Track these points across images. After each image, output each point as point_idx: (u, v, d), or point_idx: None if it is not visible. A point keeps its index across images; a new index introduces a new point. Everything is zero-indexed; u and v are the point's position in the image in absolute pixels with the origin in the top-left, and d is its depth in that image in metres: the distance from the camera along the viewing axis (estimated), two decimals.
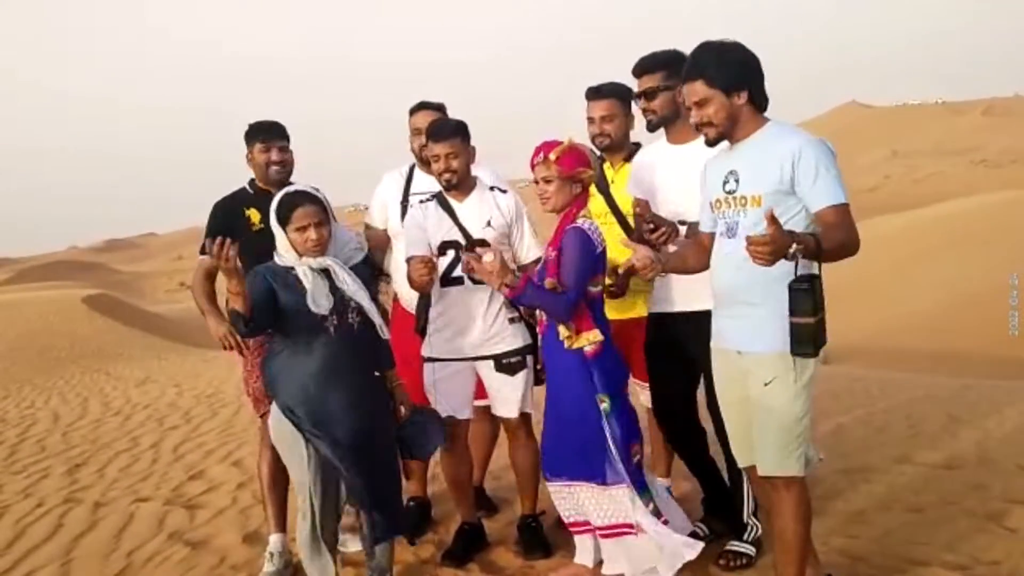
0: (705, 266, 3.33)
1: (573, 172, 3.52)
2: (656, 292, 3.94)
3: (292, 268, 3.54)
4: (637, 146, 4.22)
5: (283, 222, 3.51)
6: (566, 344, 3.51)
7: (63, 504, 6.05)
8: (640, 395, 4.29)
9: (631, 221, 4.04)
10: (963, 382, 8.50)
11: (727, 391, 3.25)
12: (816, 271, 2.82)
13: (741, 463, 3.33)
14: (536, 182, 3.61)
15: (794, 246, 2.67)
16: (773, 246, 2.64)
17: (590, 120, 4.15)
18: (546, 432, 3.72)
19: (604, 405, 3.49)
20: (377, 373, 3.76)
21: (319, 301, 3.47)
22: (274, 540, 4.27)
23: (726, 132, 3.08)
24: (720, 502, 4.03)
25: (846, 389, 8.12)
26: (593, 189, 3.84)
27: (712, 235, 3.29)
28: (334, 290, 3.53)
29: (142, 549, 4.97)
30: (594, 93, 4.15)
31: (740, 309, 3.08)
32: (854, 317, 16.43)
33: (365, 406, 3.59)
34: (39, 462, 7.50)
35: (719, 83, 3.00)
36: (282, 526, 4.31)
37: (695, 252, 3.39)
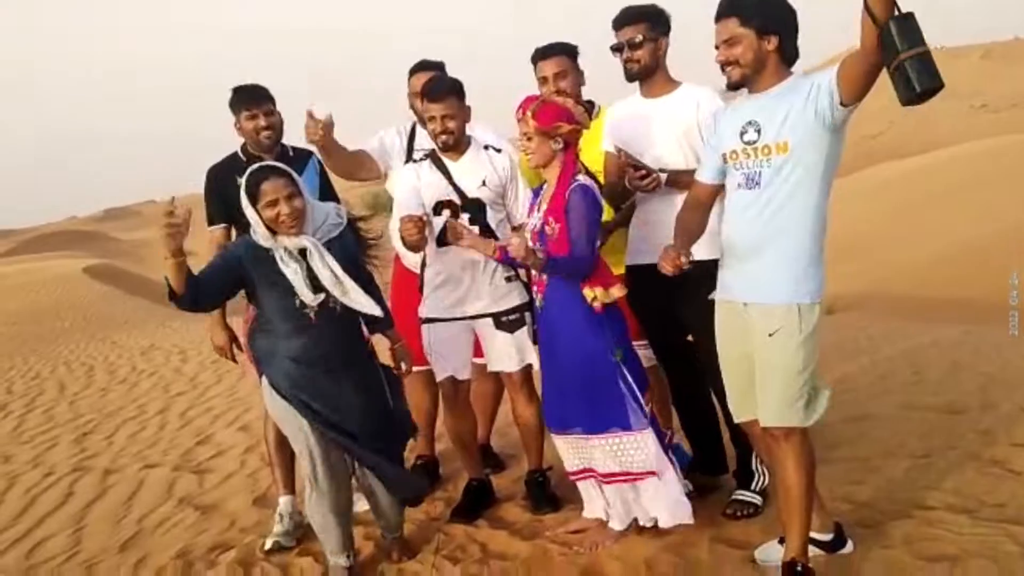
0: (706, 224, 3.35)
1: (549, 127, 3.52)
2: (633, 243, 3.94)
3: (269, 250, 3.42)
4: (590, 104, 4.18)
5: (253, 200, 3.35)
6: (590, 301, 3.50)
7: (72, 472, 6.10)
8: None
9: (600, 178, 4.03)
10: (966, 328, 8.50)
11: (729, 346, 3.25)
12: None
13: (739, 418, 3.34)
14: (520, 138, 3.64)
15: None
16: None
17: (543, 80, 4.10)
18: (550, 387, 3.73)
19: (618, 357, 3.53)
20: (367, 347, 3.74)
21: (304, 293, 3.37)
22: (283, 502, 4.30)
23: (749, 76, 3.04)
24: (710, 458, 4.08)
25: (850, 338, 8.13)
26: None
27: (712, 187, 3.28)
28: (312, 276, 3.40)
29: (152, 515, 5.02)
30: (543, 53, 4.12)
31: (751, 261, 3.07)
32: (857, 266, 16.41)
33: (351, 385, 3.55)
34: (47, 432, 7.55)
35: (753, 23, 2.98)
36: (291, 488, 4.35)
37: (694, 215, 3.37)
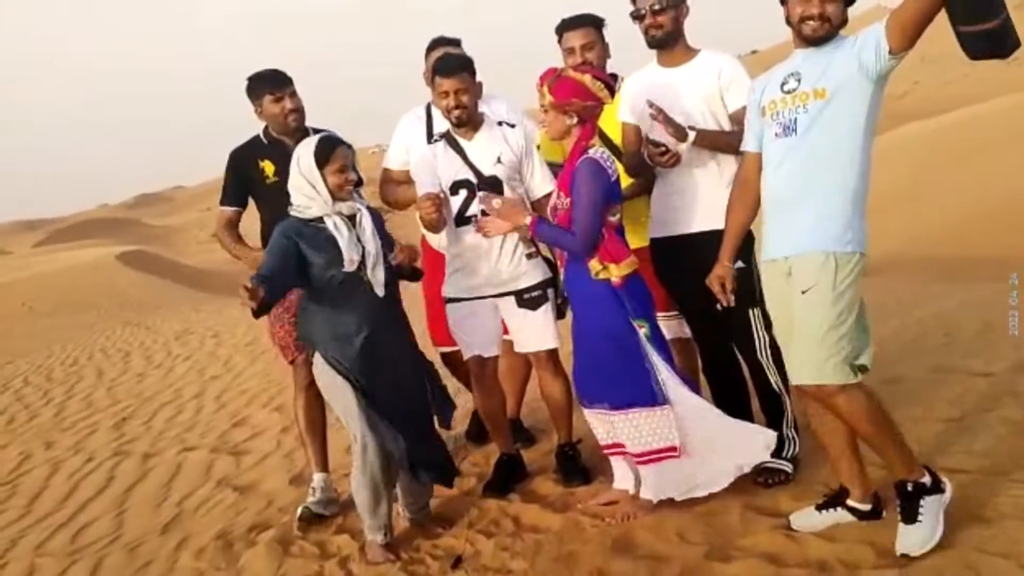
0: (757, 205, 3.33)
1: (564, 102, 3.52)
2: (656, 215, 3.94)
3: (320, 221, 3.57)
4: (614, 76, 4.15)
5: (322, 164, 3.55)
6: (593, 273, 3.52)
7: (113, 457, 6.23)
8: (661, 326, 4.30)
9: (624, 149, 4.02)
10: (1000, 287, 8.38)
11: (780, 308, 3.20)
12: None
13: (798, 380, 3.23)
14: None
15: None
16: None
17: (569, 51, 4.10)
18: (578, 361, 3.75)
19: (644, 331, 3.55)
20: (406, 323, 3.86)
21: (351, 254, 3.53)
22: (317, 478, 4.37)
23: (834, 33, 3.01)
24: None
25: (879, 301, 8.04)
26: None
27: (759, 155, 3.24)
28: (359, 241, 3.60)
29: (192, 496, 5.12)
30: (571, 23, 4.11)
31: (789, 212, 3.04)
32: (886, 227, 16.19)
33: (405, 356, 3.73)
34: (87, 418, 7.70)
35: None
36: (324, 465, 4.41)
37: (744, 197, 3.36)
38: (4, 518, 5.41)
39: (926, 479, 3.02)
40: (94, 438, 6.90)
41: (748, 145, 3.31)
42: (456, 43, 4.48)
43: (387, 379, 3.65)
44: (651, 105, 3.64)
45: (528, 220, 3.61)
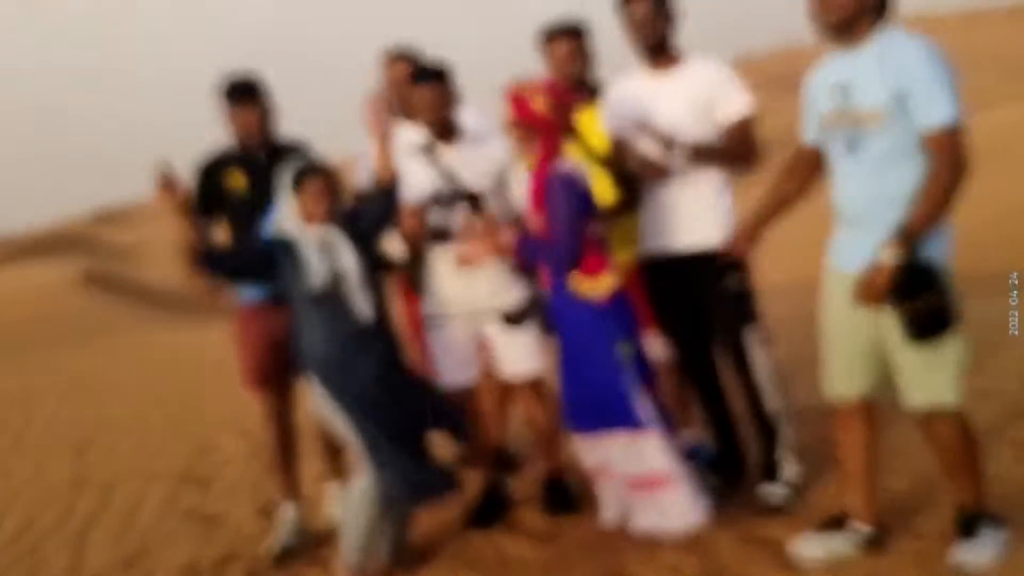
0: (809, 184, 3.32)
1: (519, 118, 3.57)
2: (646, 229, 3.92)
3: (295, 242, 3.67)
4: (599, 86, 4.17)
5: (296, 185, 3.68)
6: (581, 289, 3.52)
7: (73, 487, 6.14)
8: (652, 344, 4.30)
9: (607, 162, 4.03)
10: (1006, 302, 8.43)
11: (841, 315, 3.16)
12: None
13: (833, 391, 3.27)
14: None
15: None
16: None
17: (550, 60, 4.10)
18: (567, 386, 3.74)
19: (625, 351, 3.54)
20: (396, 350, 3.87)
21: (318, 275, 3.61)
22: (286, 509, 4.32)
23: (843, 24, 2.95)
24: (727, 458, 4.09)
25: None
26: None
27: (814, 149, 3.22)
28: (333, 263, 3.66)
29: (156, 528, 5.06)
30: (554, 33, 4.10)
31: (868, 229, 2.97)
32: None
33: (388, 374, 3.72)
34: (46, 446, 7.60)
35: None
36: (293, 494, 4.36)
37: (791, 180, 3.36)
38: None
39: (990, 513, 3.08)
40: (53, 467, 6.81)
41: (805, 136, 3.26)
42: (416, 56, 4.51)
43: (376, 400, 3.65)
44: (638, 124, 3.67)
45: (507, 241, 3.61)
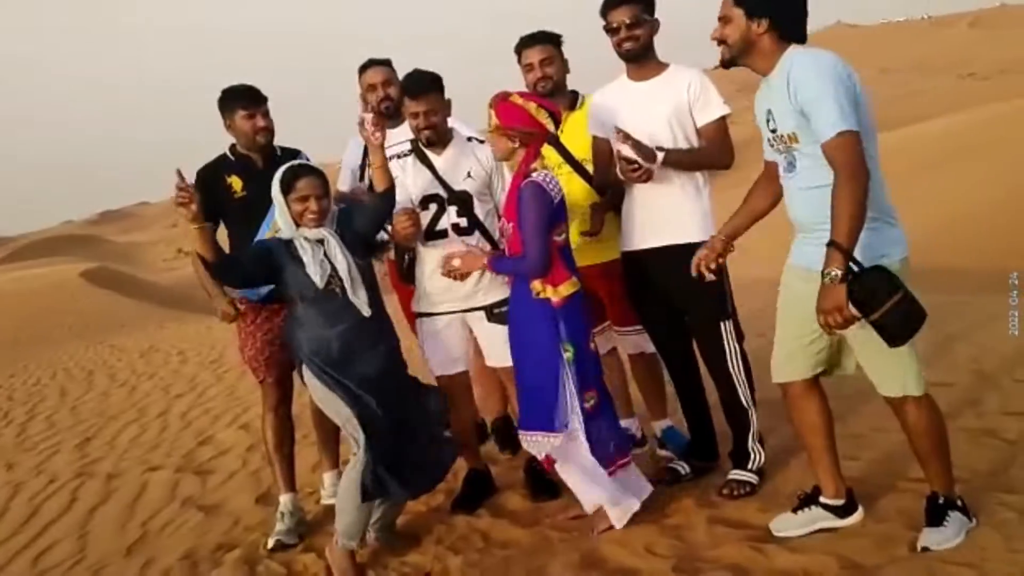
0: (778, 198, 3.33)
1: (508, 126, 3.54)
2: (627, 228, 3.96)
3: (292, 242, 3.65)
4: (575, 94, 4.19)
5: (286, 191, 3.63)
6: (535, 292, 3.54)
7: (76, 478, 6.13)
8: (620, 342, 4.33)
9: (588, 168, 4.04)
10: (959, 298, 8.51)
11: (792, 306, 3.22)
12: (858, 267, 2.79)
13: (777, 378, 3.33)
14: None
15: None
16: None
17: (528, 68, 4.12)
18: (517, 385, 3.77)
19: (568, 354, 3.54)
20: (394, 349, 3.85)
21: (316, 275, 3.59)
22: (284, 500, 4.33)
23: (737, 56, 3.02)
24: (703, 444, 4.12)
25: None
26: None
27: (775, 164, 3.25)
28: (331, 261, 3.64)
29: (157, 517, 5.05)
30: (528, 41, 4.13)
31: (816, 234, 2.98)
32: None
33: (387, 364, 3.73)
34: (49, 438, 7.57)
35: (744, 3, 2.96)
36: (291, 486, 4.37)
37: (762, 189, 3.38)
38: None
39: (959, 501, 3.10)
40: (56, 459, 6.79)
41: (765, 155, 3.29)
42: (387, 62, 4.58)
43: (375, 390, 3.65)
44: (619, 131, 3.67)
45: (485, 263, 3.66)
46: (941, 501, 3.08)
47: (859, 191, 2.76)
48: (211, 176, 4.25)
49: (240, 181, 4.20)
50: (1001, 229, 14.86)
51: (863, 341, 3.01)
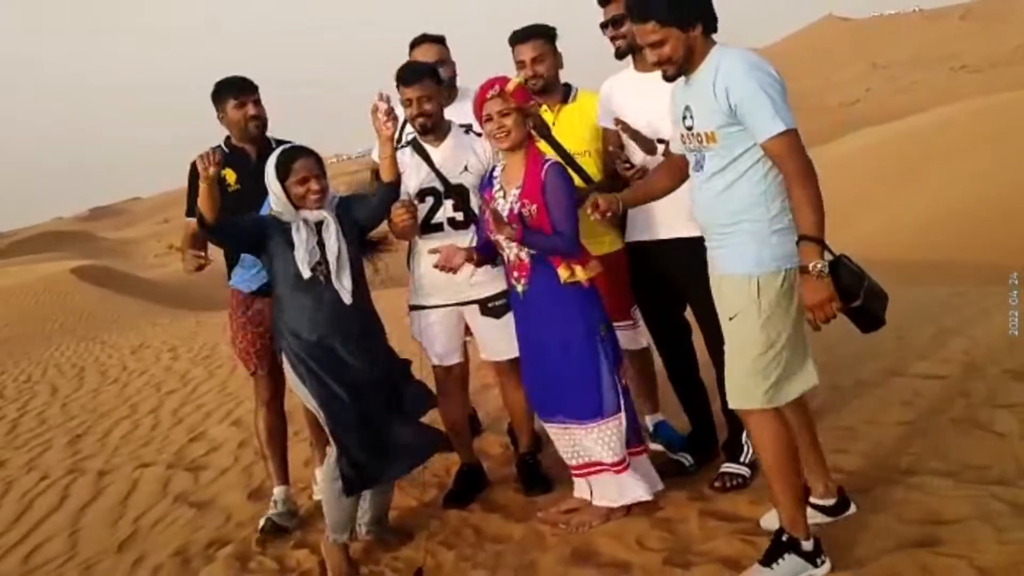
0: (674, 186, 3.31)
1: (526, 103, 3.54)
2: (632, 220, 3.96)
3: (289, 225, 3.61)
4: (568, 87, 4.18)
5: (283, 177, 3.58)
6: (564, 279, 3.52)
7: (67, 475, 6.13)
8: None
9: (580, 161, 4.03)
10: (951, 290, 8.54)
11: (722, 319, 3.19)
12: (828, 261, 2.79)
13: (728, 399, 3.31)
14: (487, 120, 3.58)
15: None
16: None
17: (520, 64, 4.09)
18: (534, 374, 3.75)
19: (603, 332, 3.58)
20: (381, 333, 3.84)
21: (306, 260, 3.55)
22: (278, 491, 4.34)
23: (683, 69, 2.99)
24: (704, 439, 4.12)
25: None
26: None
27: (685, 158, 3.21)
28: (321, 246, 3.60)
29: (148, 514, 5.05)
30: (521, 36, 4.10)
31: (718, 238, 3.04)
32: (841, 232, 16.45)
33: (367, 353, 3.67)
34: (40, 435, 7.56)
35: (673, 21, 2.89)
36: (284, 478, 4.37)
37: (664, 175, 3.36)
38: None
39: (806, 543, 2.97)
40: (48, 456, 6.78)
41: (674, 148, 3.27)
42: (440, 40, 4.52)
43: (350, 380, 3.61)
44: (619, 123, 3.67)
45: (513, 231, 3.47)
46: (784, 539, 2.97)
47: (814, 183, 2.77)
48: None
49: (234, 174, 4.19)
50: (994, 223, 14.90)
51: (728, 354, 3.03)
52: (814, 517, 3.25)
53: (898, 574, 2.89)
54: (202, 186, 3.47)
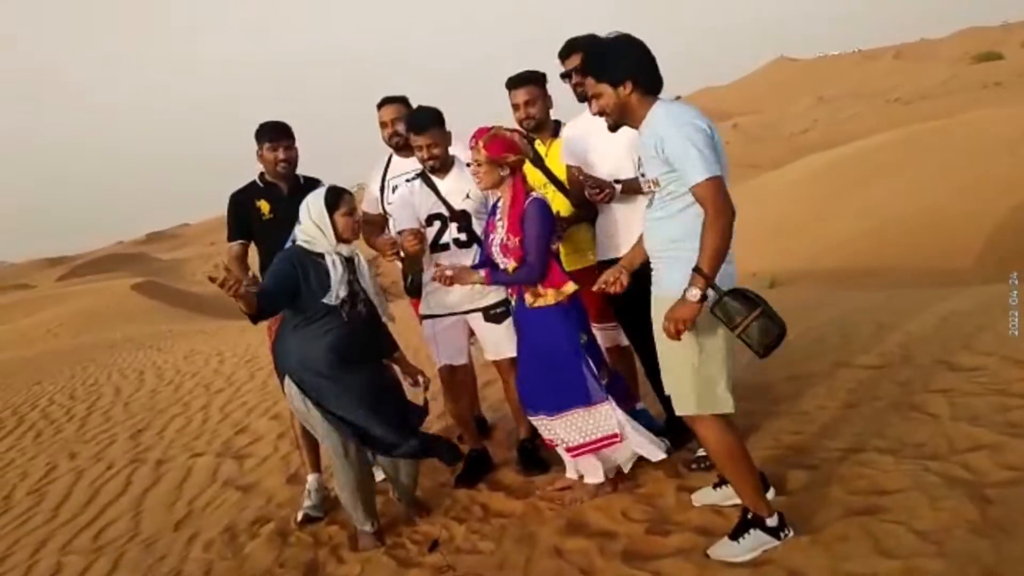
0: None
1: (497, 156, 3.54)
2: (601, 240, 3.97)
3: (320, 255, 3.51)
4: (558, 123, 4.21)
5: (332, 207, 3.51)
6: (529, 303, 3.55)
7: (130, 464, 6.12)
8: (598, 336, 4.34)
9: (569, 187, 4.06)
10: (889, 293, 8.54)
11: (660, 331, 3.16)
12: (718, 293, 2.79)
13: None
14: (470, 163, 3.65)
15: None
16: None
17: (515, 107, 4.12)
18: (524, 376, 3.76)
19: (583, 341, 3.58)
20: (383, 359, 3.81)
21: (339, 291, 3.48)
22: (311, 480, 4.33)
23: (619, 120, 3.01)
24: (678, 424, 4.10)
25: (789, 308, 8.12)
26: (530, 165, 3.88)
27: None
28: (350, 280, 3.55)
29: (201, 497, 5.05)
30: (515, 82, 4.12)
31: (656, 260, 3.05)
32: (794, 245, 16.46)
33: (368, 381, 3.61)
34: (107, 431, 7.55)
35: (605, 79, 2.93)
36: (317, 467, 4.37)
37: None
38: (33, 522, 5.30)
39: (770, 519, 2.98)
40: (113, 448, 6.77)
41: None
42: (403, 100, 4.52)
43: (357, 400, 3.55)
44: (575, 168, 3.73)
45: (481, 276, 3.59)
46: (750, 516, 2.99)
47: (725, 227, 2.76)
48: (243, 200, 4.28)
49: (268, 204, 4.22)
50: (924, 232, 14.90)
51: (666, 365, 3.04)
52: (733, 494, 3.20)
53: (847, 538, 2.91)
54: (235, 299, 3.26)
